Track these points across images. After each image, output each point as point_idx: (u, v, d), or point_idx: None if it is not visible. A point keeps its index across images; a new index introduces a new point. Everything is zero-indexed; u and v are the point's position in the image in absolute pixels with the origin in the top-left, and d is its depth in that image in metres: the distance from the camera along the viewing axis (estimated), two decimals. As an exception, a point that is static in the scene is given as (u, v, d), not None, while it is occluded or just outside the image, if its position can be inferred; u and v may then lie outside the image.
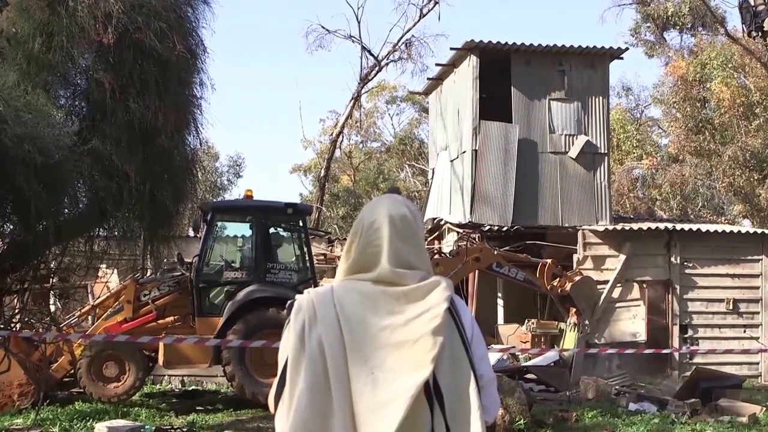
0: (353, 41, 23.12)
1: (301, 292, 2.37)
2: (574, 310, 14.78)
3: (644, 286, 15.32)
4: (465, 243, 14.31)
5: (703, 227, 16.36)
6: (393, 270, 2.29)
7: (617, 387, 12.87)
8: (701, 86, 27.04)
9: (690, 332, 15.70)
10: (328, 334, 2.23)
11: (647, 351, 13.77)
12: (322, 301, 2.30)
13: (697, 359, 14.90)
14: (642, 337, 15.06)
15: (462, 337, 2.27)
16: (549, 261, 14.45)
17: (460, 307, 2.33)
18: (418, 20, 22.43)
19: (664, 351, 13.78)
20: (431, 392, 2.19)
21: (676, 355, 15.00)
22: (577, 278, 14.58)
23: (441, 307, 2.24)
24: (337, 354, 2.22)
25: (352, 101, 23.38)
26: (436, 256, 14.68)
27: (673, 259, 15.59)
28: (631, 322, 15.20)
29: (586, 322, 14.71)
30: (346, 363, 2.22)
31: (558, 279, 14.44)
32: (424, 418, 2.18)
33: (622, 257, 15.19)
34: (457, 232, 16.49)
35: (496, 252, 14.29)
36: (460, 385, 2.22)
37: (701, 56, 27.23)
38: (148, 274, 13.91)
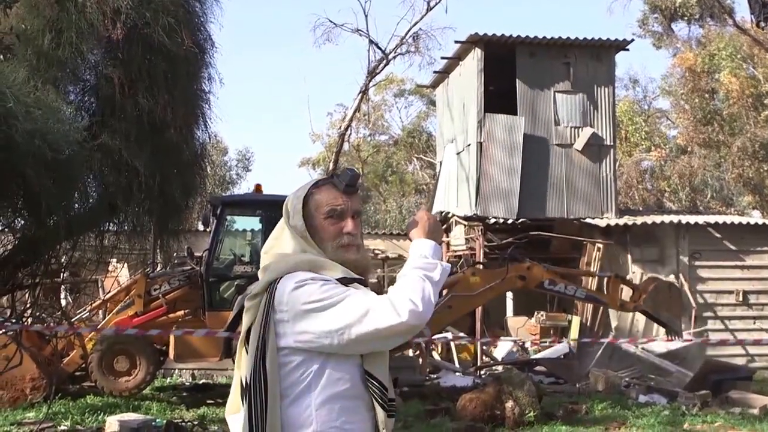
0: (360, 35, 23.04)
1: None
2: (663, 331, 12.63)
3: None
4: (507, 258, 11.63)
5: (711, 219, 16.31)
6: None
7: (627, 379, 12.84)
8: (710, 77, 26.90)
9: (700, 324, 15.67)
10: None
11: (656, 344, 13.73)
12: None
13: (707, 351, 14.86)
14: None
15: (261, 329, 2.25)
16: (612, 275, 12.38)
17: (280, 291, 2.27)
18: (426, 13, 22.33)
19: (674, 346, 13.71)
20: (245, 390, 2.27)
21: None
22: (651, 287, 12.14)
23: (248, 303, 2.32)
24: None
25: (360, 94, 23.32)
26: (479, 266, 12.37)
27: (681, 251, 15.56)
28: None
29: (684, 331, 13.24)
30: None
31: (632, 293, 12.24)
32: (244, 418, 2.26)
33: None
34: (464, 225, 16.49)
35: (546, 268, 11.80)
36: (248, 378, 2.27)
37: (710, 47, 27.09)
38: (158, 268, 13.99)
